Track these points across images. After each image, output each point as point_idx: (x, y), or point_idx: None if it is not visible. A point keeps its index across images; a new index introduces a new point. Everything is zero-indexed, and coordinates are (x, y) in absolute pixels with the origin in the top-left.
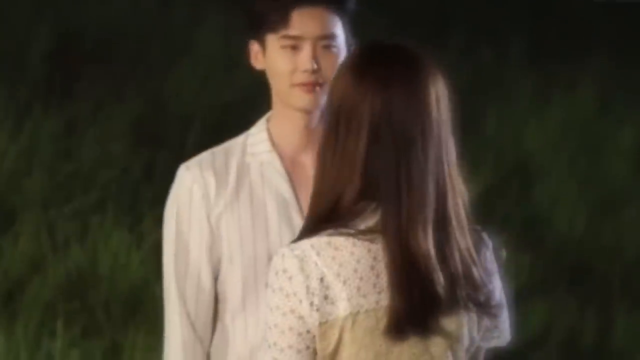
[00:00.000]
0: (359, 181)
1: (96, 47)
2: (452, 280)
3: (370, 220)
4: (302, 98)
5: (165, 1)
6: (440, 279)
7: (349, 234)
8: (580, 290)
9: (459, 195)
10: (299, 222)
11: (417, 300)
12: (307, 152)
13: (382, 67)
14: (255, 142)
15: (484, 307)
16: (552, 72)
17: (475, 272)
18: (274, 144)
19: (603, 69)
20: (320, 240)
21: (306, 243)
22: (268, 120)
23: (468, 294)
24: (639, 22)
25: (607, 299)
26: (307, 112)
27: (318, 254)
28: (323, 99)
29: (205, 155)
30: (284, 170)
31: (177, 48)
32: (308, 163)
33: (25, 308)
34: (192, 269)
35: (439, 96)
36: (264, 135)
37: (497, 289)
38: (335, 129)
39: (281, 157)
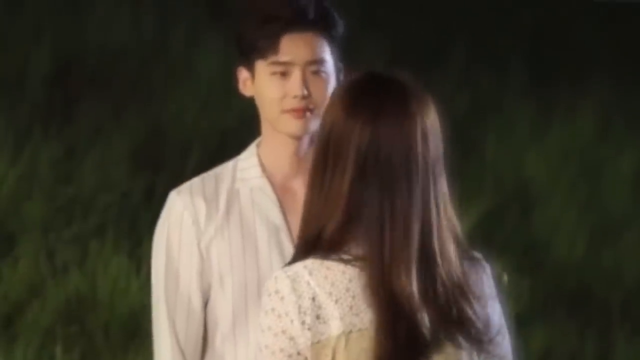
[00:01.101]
0: (342, 216)
1: (96, 71)
2: (438, 318)
3: (355, 250)
4: (292, 124)
5: (164, 26)
6: (424, 319)
7: (339, 260)
8: (580, 316)
9: (448, 230)
10: (289, 248)
11: (402, 341)
12: (298, 177)
13: (373, 99)
14: (246, 167)
15: (477, 342)
16: (551, 98)
17: (466, 306)
18: (264, 169)
19: (603, 95)
20: (314, 262)
21: (299, 264)
22: (258, 146)
23: (458, 330)
24: (637, 48)
25: (607, 325)
26: (298, 138)
27: (310, 273)
28: (313, 125)
29: (195, 181)
30: (274, 196)
31: (177, 72)
32: (298, 188)
33: (24, 332)
34: (182, 294)
35: (428, 131)
36: (254, 160)
37: (496, 314)
38: (324, 161)
39: (271, 182)
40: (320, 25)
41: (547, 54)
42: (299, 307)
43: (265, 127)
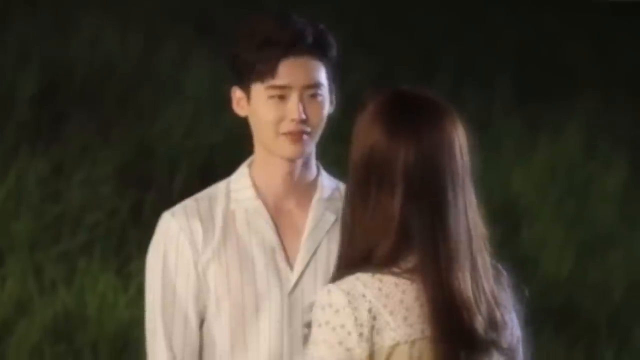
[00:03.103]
0: (395, 235)
1: (83, 89)
2: (486, 323)
3: (403, 265)
4: (289, 147)
5: (152, 44)
6: (480, 324)
7: (390, 272)
8: (568, 332)
9: (481, 237)
10: (285, 269)
11: (462, 346)
12: (291, 198)
13: (411, 118)
14: (239, 188)
15: (510, 349)
16: (538, 116)
17: (498, 315)
18: (257, 190)
19: (589, 112)
20: (365, 275)
21: (351, 278)
22: (250, 167)
23: (499, 336)
24: (624, 67)
25: (595, 341)
26: (292, 161)
27: (365, 285)
28: (309, 148)
29: (189, 202)
30: (270, 219)
31: (164, 90)
32: (292, 209)
33: (12, 350)
34: (179, 314)
35: (462, 143)
36: (247, 181)
37: (515, 325)
38: (366, 182)
39: (265, 203)
40: (317, 48)
41: (533, 73)
42: (356, 319)
43: (258, 148)
